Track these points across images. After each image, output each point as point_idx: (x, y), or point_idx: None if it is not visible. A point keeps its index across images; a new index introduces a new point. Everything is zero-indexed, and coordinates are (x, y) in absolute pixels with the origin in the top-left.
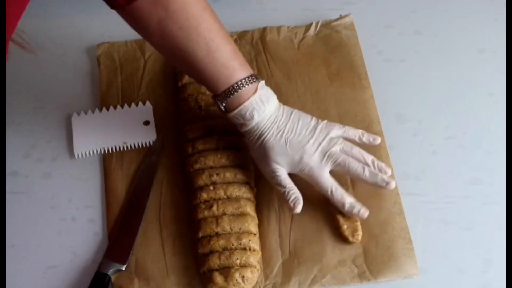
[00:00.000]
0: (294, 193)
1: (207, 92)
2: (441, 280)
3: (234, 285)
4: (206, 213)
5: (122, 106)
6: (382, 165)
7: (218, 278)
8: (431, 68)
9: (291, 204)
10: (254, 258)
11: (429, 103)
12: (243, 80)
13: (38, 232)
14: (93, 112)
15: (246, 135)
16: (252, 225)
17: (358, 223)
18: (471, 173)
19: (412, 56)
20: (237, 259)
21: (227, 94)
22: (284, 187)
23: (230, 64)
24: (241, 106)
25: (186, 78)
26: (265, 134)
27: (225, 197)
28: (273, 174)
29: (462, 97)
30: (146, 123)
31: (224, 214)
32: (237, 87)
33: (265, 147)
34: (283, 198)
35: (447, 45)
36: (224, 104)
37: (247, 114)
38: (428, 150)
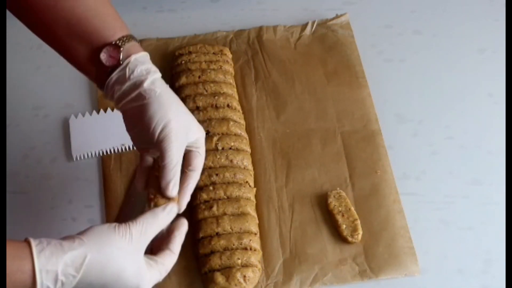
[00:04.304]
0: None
1: (205, 93)
2: (441, 280)
3: (235, 285)
4: (206, 213)
5: None
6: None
7: (220, 278)
8: (431, 68)
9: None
10: (255, 258)
11: (429, 103)
12: (129, 36)
13: (39, 232)
14: (90, 114)
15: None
16: (252, 225)
17: (358, 222)
18: (471, 173)
19: (411, 56)
20: (238, 259)
21: (123, 41)
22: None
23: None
24: (139, 54)
25: (184, 79)
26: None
27: (225, 197)
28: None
29: (462, 97)
30: None
31: (225, 214)
32: (130, 37)
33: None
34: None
35: (447, 45)
36: (111, 55)
37: (144, 67)
38: (428, 150)
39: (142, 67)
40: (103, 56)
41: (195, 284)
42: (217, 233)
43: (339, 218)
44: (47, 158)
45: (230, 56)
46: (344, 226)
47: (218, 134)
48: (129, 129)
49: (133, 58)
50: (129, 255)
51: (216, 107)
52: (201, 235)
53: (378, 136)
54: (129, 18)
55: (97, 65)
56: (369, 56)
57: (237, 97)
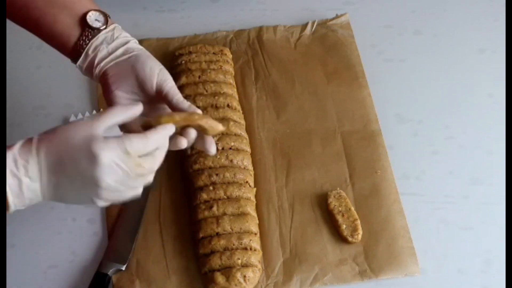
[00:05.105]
0: None
1: (205, 93)
2: (441, 280)
3: (236, 285)
4: (206, 213)
5: None
6: None
7: (220, 278)
8: (431, 68)
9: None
10: (255, 258)
11: (429, 103)
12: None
13: (38, 232)
14: (90, 114)
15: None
16: (252, 225)
17: (358, 222)
18: (471, 173)
19: (412, 56)
20: (238, 259)
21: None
22: None
23: None
24: (116, 24)
25: (184, 79)
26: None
27: (225, 197)
28: None
29: (462, 97)
30: None
31: (225, 214)
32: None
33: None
34: None
35: (447, 45)
36: (97, 19)
37: (123, 33)
38: (428, 150)
39: (126, 34)
40: (89, 18)
41: (195, 284)
42: (217, 233)
43: (339, 218)
44: None
45: (230, 56)
46: (344, 226)
47: (218, 134)
48: (116, 87)
49: (117, 25)
50: (78, 126)
51: (216, 107)
52: (201, 235)
53: (378, 136)
54: (129, 18)
55: (81, 29)
56: (369, 56)
57: (237, 97)
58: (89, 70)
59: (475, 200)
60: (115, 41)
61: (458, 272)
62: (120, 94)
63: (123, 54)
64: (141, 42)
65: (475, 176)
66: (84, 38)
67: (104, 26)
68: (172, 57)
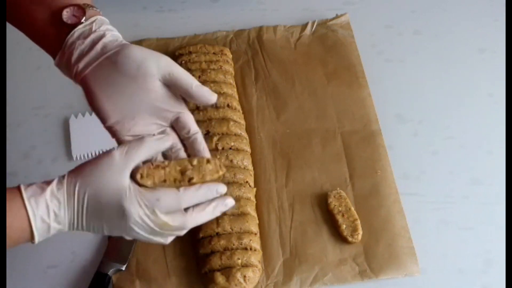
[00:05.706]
0: None
1: None
2: (441, 280)
3: (236, 285)
4: None
5: None
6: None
7: (220, 278)
8: (431, 68)
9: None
10: (255, 258)
11: (429, 103)
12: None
13: None
14: (90, 114)
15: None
16: (252, 225)
17: (358, 222)
18: (471, 173)
19: (412, 56)
20: (238, 259)
21: (87, 5)
22: None
23: None
24: (98, 16)
25: None
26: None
27: None
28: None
29: (462, 97)
30: None
31: (225, 214)
32: (92, 6)
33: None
34: None
35: (447, 45)
36: (74, 14)
37: (104, 25)
38: (428, 150)
39: (108, 26)
40: (65, 14)
41: (195, 284)
42: (217, 233)
43: (339, 218)
44: (48, 158)
45: (230, 56)
46: (344, 226)
47: (218, 134)
48: (103, 96)
49: (98, 17)
50: (108, 173)
51: (216, 107)
52: (201, 235)
53: (378, 136)
54: (129, 18)
55: (57, 26)
56: (369, 56)
57: (237, 97)
58: (67, 69)
59: (475, 200)
60: (93, 35)
61: (458, 272)
62: (111, 107)
63: (101, 53)
64: (141, 42)
65: (475, 176)
66: (57, 39)
67: (83, 21)
68: (172, 57)
